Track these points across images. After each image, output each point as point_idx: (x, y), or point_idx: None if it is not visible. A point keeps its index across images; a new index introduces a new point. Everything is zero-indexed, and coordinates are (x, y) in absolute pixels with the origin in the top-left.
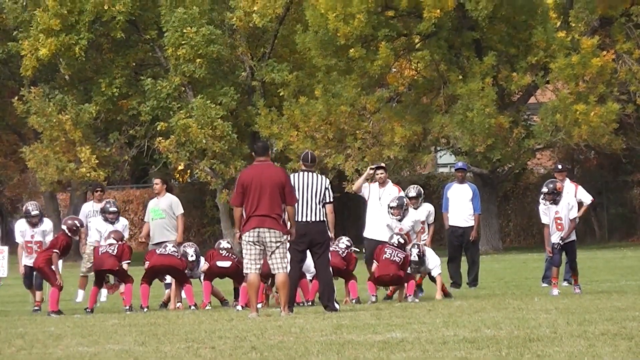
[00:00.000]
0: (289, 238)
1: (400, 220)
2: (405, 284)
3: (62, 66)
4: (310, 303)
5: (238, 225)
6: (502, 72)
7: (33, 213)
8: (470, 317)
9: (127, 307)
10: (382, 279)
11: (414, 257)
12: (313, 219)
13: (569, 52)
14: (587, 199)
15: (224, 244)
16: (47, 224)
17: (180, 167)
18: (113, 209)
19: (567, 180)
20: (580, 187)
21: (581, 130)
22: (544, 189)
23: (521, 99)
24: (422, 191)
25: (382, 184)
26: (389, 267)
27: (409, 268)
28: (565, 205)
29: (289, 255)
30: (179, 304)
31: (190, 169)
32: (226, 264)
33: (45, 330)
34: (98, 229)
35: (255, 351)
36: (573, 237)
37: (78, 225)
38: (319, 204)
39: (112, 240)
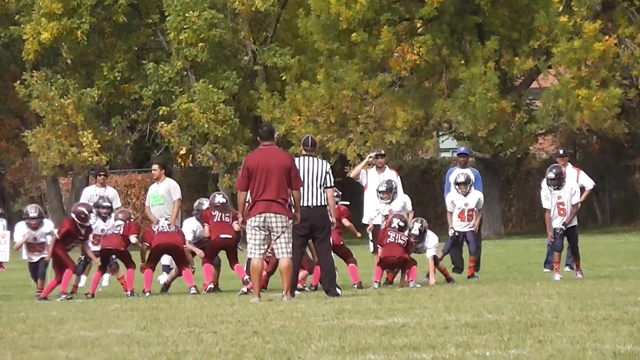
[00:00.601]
0: (293, 222)
1: (389, 204)
2: (407, 269)
3: (64, 50)
4: (314, 288)
5: (242, 209)
6: (504, 57)
7: (31, 215)
8: (472, 302)
9: (129, 292)
10: (389, 261)
11: (415, 230)
12: (314, 204)
13: (571, 36)
14: (589, 183)
15: (218, 198)
16: (48, 225)
17: (182, 152)
18: (106, 204)
19: (569, 165)
20: (582, 172)
21: (583, 115)
22: (550, 174)
23: (523, 84)
24: (471, 177)
25: (381, 169)
26: (395, 250)
27: (412, 250)
28: (568, 191)
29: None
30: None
31: (192, 153)
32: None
33: (47, 314)
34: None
35: (257, 336)
36: (575, 222)
37: (86, 212)
38: (320, 188)
39: (119, 222)
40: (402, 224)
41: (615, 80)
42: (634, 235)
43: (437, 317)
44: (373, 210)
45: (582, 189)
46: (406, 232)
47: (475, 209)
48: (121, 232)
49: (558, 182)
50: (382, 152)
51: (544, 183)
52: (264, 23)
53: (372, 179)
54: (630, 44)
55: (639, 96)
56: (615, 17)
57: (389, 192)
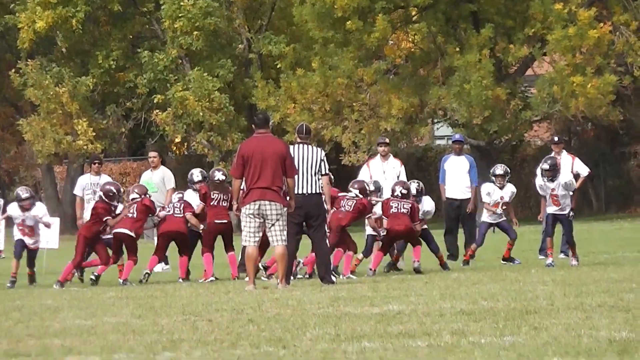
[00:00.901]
0: (287, 210)
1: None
2: (413, 248)
3: (59, 39)
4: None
5: (236, 197)
6: (499, 44)
7: (23, 196)
8: (467, 289)
9: (123, 281)
10: (396, 232)
11: (413, 190)
12: (309, 191)
13: (566, 23)
14: (584, 170)
15: (218, 175)
16: (40, 208)
17: (177, 140)
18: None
19: (564, 152)
20: (577, 159)
21: (578, 102)
22: (544, 165)
23: (518, 71)
24: (509, 170)
25: (385, 157)
26: (400, 219)
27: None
28: (562, 185)
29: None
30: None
31: (187, 141)
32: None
33: (42, 303)
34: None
35: (253, 324)
36: (571, 210)
37: (114, 190)
38: (315, 176)
39: (135, 195)
40: (404, 191)
41: (610, 68)
42: (628, 222)
43: (433, 304)
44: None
45: (577, 176)
46: (412, 187)
47: (509, 201)
48: (134, 215)
49: (552, 174)
50: (387, 140)
51: (538, 171)
52: (258, 11)
53: (376, 167)
54: (625, 31)
55: (633, 83)
56: (610, 4)
57: (376, 192)
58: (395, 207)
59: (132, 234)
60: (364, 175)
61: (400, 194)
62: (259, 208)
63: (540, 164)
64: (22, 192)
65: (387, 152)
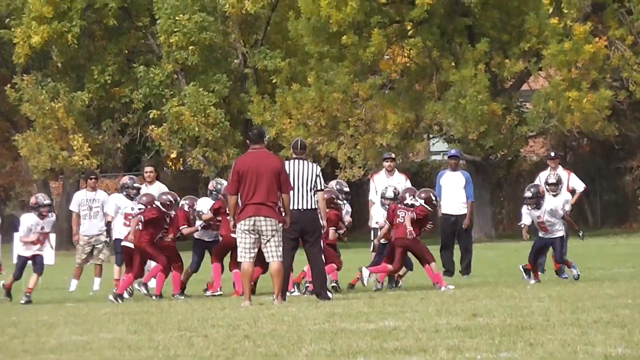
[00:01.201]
0: (283, 226)
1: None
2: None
3: (55, 53)
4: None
5: (233, 213)
6: (494, 59)
7: (46, 202)
8: (463, 305)
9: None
10: (402, 242)
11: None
12: (305, 207)
13: (562, 38)
14: (580, 186)
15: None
16: (53, 215)
17: (172, 155)
18: (136, 185)
19: (560, 168)
20: (572, 174)
21: (574, 117)
22: (527, 194)
23: (514, 86)
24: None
25: (390, 172)
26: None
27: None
28: (548, 212)
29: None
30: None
31: (182, 156)
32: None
33: (38, 319)
34: (118, 204)
35: (248, 340)
36: (562, 232)
37: (172, 200)
38: (311, 191)
39: (141, 205)
40: (414, 201)
41: (606, 82)
42: (624, 237)
43: (428, 320)
44: (381, 216)
45: (573, 191)
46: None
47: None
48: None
49: (536, 202)
50: (392, 155)
51: (524, 202)
52: (254, 26)
53: (381, 182)
54: (620, 46)
55: (629, 98)
56: (606, 18)
57: (394, 200)
58: (402, 217)
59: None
60: (372, 190)
61: (410, 203)
62: (254, 224)
63: (525, 192)
64: (44, 198)
65: (393, 168)
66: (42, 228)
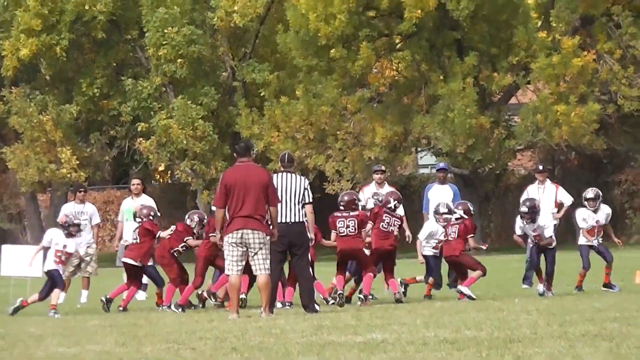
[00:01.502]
0: (270, 239)
1: None
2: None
3: (43, 66)
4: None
5: (220, 226)
6: (483, 72)
7: (75, 222)
8: (450, 317)
9: (122, 308)
10: (381, 252)
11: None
12: (292, 220)
13: (550, 52)
14: (568, 200)
15: None
16: (80, 235)
17: (160, 168)
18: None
19: (548, 181)
20: (560, 188)
21: (562, 131)
22: (523, 208)
23: (502, 99)
24: (600, 193)
25: (380, 185)
26: (387, 239)
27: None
28: (542, 226)
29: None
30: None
31: (170, 169)
32: None
33: (26, 330)
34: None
35: (236, 352)
36: (553, 244)
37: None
38: (299, 204)
39: (140, 220)
40: (398, 204)
41: (594, 96)
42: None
43: (416, 333)
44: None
45: (561, 205)
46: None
47: (605, 222)
48: (138, 240)
49: (531, 216)
50: (383, 168)
51: (519, 217)
52: (242, 39)
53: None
54: (609, 60)
55: (617, 112)
56: (594, 32)
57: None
58: (386, 223)
59: (137, 264)
60: (362, 200)
61: (393, 207)
62: (241, 237)
63: (520, 206)
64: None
65: (383, 180)
66: (65, 247)
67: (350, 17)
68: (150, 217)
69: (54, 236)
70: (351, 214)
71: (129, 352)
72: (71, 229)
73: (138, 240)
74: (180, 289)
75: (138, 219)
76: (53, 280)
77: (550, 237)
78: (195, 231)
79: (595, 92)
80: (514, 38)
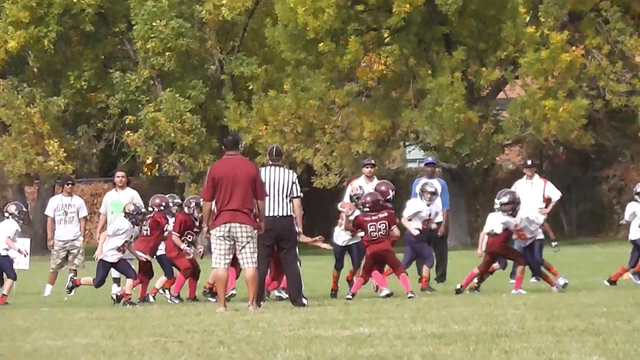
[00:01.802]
0: (258, 232)
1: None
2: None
3: (31, 59)
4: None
5: (207, 219)
6: (471, 67)
7: (142, 210)
8: (438, 312)
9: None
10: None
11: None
12: (280, 214)
13: (538, 47)
14: (556, 194)
15: None
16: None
17: (148, 161)
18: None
19: (536, 176)
20: (548, 183)
21: (550, 126)
22: (503, 199)
23: (490, 94)
24: None
25: (370, 178)
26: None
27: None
28: (525, 219)
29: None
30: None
31: (158, 162)
32: None
33: (13, 323)
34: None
35: (223, 345)
36: (541, 235)
37: (195, 203)
38: (286, 198)
39: (154, 208)
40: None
41: (582, 91)
42: (600, 246)
43: (404, 327)
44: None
45: (549, 200)
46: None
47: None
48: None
49: (512, 207)
50: (373, 161)
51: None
52: (231, 32)
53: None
54: (597, 55)
55: (605, 107)
56: (583, 28)
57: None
58: (373, 229)
59: (146, 257)
60: (347, 196)
61: (368, 208)
62: (229, 230)
63: (498, 198)
64: (142, 207)
65: (373, 174)
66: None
67: (338, 11)
68: (162, 208)
69: (120, 225)
70: (380, 216)
71: (116, 345)
72: (138, 217)
73: (148, 232)
74: (190, 281)
75: (142, 211)
76: (124, 272)
77: (536, 230)
78: (195, 217)
79: (584, 88)
80: (502, 33)
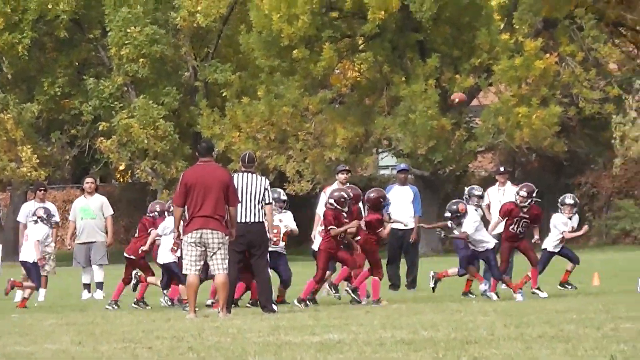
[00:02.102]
0: (229, 239)
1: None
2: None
3: (5, 65)
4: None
5: (177, 225)
6: (445, 74)
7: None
8: (408, 318)
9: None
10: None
11: None
12: (252, 220)
13: (512, 54)
14: None
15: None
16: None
17: (121, 167)
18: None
19: (508, 183)
20: None
21: (523, 133)
22: (447, 213)
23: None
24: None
25: (344, 184)
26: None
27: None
28: (471, 226)
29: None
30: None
31: (131, 169)
32: None
33: None
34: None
35: (193, 351)
36: (490, 245)
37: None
38: (259, 204)
39: (154, 213)
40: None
41: (556, 99)
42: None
43: (373, 333)
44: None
45: None
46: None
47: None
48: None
49: (457, 220)
50: (347, 167)
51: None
52: (205, 39)
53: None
54: (571, 62)
55: (579, 114)
56: (557, 35)
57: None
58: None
59: (131, 257)
60: (321, 202)
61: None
62: (200, 237)
63: (445, 213)
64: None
65: (347, 181)
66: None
67: (313, 18)
68: (153, 214)
69: (168, 224)
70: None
71: (85, 351)
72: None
73: (137, 234)
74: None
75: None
76: (171, 273)
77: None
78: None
79: (557, 95)
80: (477, 40)
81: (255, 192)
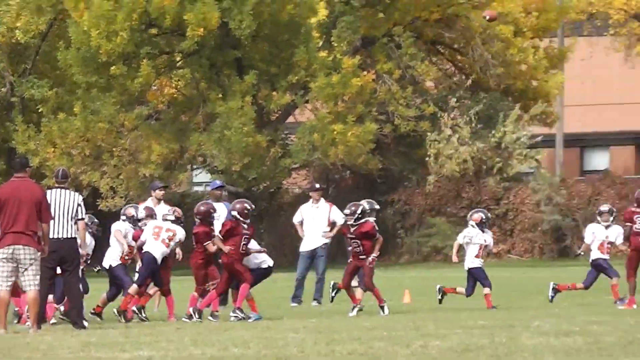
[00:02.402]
0: (41, 255)
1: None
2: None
3: None
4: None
5: None
6: (262, 91)
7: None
8: (218, 335)
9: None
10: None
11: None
12: (64, 236)
13: (330, 71)
14: (340, 218)
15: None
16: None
17: None
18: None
19: (322, 200)
20: (334, 207)
21: (338, 150)
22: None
23: (280, 118)
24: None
25: (159, 201)
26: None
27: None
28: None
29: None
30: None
31: None
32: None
33: None
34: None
35: None
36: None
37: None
38: (71, 220)
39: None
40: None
41: (372, 116)
42: (381, 270)
43: (183, 350)
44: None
45: (334, 223)
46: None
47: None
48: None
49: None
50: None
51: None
52: (23, 55)
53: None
54: (388, 80)
55: (394, 132)
56: (375, 52)
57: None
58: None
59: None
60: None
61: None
62: (12, 252)
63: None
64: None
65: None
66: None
67: (132, 34)
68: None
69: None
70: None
71: None
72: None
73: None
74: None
75: None
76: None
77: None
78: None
79: (373, 112)
80: (295, 57)
81: (68, 208)
